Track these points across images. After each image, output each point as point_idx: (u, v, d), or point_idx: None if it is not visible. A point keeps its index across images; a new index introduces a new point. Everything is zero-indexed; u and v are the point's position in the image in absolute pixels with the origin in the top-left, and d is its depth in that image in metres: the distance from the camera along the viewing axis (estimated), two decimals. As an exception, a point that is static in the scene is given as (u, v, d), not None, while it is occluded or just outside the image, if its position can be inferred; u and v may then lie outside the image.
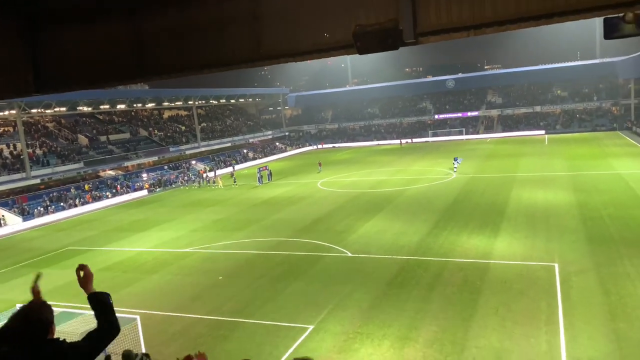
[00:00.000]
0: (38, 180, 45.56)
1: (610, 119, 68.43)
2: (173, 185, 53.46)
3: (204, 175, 55.52)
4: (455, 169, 41.27)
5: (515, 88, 79.24)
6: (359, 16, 6.30)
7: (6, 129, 52.89)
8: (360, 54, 6.18)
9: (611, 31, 5.47)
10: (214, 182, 50.83)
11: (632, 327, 13.53)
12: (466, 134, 74.52)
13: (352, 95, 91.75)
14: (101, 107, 61.51)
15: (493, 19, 5.79)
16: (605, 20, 5.48)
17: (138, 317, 14.20)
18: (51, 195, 44.77)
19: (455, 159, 42.56)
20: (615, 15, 5.51)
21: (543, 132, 68.88)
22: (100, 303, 3.24)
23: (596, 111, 71.31)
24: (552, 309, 15.02)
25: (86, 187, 47.75)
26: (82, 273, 3.35)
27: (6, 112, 50.79)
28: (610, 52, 72.59)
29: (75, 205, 43.72)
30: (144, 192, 50.15)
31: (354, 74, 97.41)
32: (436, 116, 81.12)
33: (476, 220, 26.39)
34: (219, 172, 59.89)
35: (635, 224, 23.28)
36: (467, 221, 26.29)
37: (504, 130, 73.46)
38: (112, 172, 54.01)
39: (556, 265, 18.59)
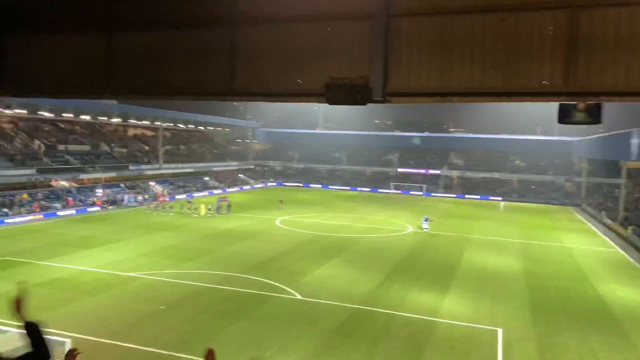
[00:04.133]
0: (-17, 182, 43.36)
1: (562, 194, 71.60)
2: (127, 203, 51.93)
3: (160, 198, 54.25)
4: (425, 229, 40.96)
5: (477, 153, 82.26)
6: (333, 68, 6.51)
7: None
8: (329, 104, 6.35)
9: (565, 117, 5.85)
10: (195, 208, 47.29)
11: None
12: (427, 190, 76.25)
13: (321, 138, 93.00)
14: (64, 114, 59.85)
15: (458, 90, 6.10)
16: (560, 106, 5.87)
17: (68, 340, 13.45)
18: (-4, 199, 42.62)
19: (425, 219, 42.22)
20: (569, 103, 5.92)
21: (499, 198, 71.26)
22: (34, 332, 3.17)
23: (550, 185, 74.57)
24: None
25: (24, 195, 45.20)
26: (16, 300, 3.26)
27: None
28: (568, 130, 76.68)
29: (20, 214, 41.72)
30: (96, 208, 48.49)
31: (326, 117, 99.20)
32: (400, 170, 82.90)
33: (427, 276, 26.68)
34: (177, 196, 58.74)
35: (578, 297, 24.07)
36: (418, 276, 26.54)
37: (462, 192, 75.59)
38: (65, 183, 52.11)
39: (500, 331, 18.88)
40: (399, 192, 77.00)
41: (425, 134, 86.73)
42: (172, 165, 68.13)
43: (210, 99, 7.11)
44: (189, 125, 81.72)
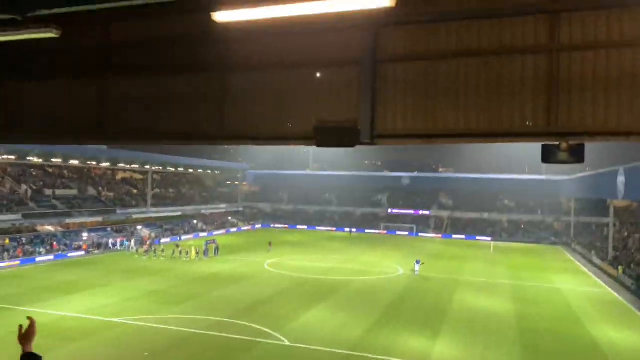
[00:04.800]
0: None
1: (552, 233, 71.93)
2: (113, 248, 51.11)
3: (148, 241, 53.53)
4: (417, 272, 40.54)
5: (466, 193, 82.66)
6: (321, 112, 6.65)
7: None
8: (318, 146, 6.44)
9: (548, 156, 5.99)
10: (186, 252, 46.39)
11: None
12: (417, 231, 76.18)
13: (310, 180, 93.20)
14: (53, 159, 59.67)
15: (444, 132, 6.25)
16: (543, 146, 6.02)
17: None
18: (-21, 244, 41.71)
19: (417, 262, 41.85)
20: (551, 143, 6.08)
21: (489, 238, 71.30)
22: None
23: (539, 224, 74.96)
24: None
25: (6, 240, 44.26)
26: (24, 328, 3.35)
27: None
28: (557, 169, 77.59)
29: (3, 259, 40.79)
30: (81, 253, 47.61)
31: (315, 158, 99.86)
32: (390, 210, 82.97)
33: (418, 320, 26.28)
34: (163, 240, 57.99)
35: (570, 340, 23.77)
36: (409, 320, 26.13)
37: (452, 232, 75.62)
38: (50, 228, 51.33)
39: (493, 375, 18.49)
40: (389, 232, 76.83)
41: (415, 174, 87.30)
42: (161, 209, 67.59)
43: (200, 143, 7.18)
44: (179, 169, 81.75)
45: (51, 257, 44.37)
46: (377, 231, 77.64)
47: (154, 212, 65.55)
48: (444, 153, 79.71)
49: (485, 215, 77.94)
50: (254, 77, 6.84)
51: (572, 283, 39.16)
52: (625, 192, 40.53)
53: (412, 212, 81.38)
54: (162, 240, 57.89)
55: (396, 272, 41.42)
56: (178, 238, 61.06)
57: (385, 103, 6.16)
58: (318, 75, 6.35)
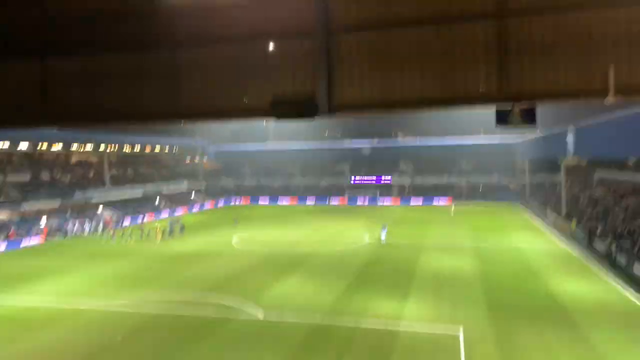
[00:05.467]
0: None
1: (509, 194, 74.49)
2: (75, 233, 49.76)
3: (110, 224, 52.33)
4: (383, 239, 41.20)
5: (426, 158, 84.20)
6: (279, 86, 6.57)
7: None
8: (277, 120, 6.39)
9: (501, 121, 6.16)
10: (147, 234, 45.64)
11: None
12: (380, 196, 77.51)
13: (272, 153, 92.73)
14: None
15: (401, 101, 6.30)
16: (497, 111, 6.17)
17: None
18: None
19: (383, 227, 42.47)
20: (504, 109, 6.23)
21: (450, 201, 73.26)
22: None
23: (497, 186, 77.47)
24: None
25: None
26: None
27: None
28: (513, 132, 79.62)
29: (-44, 251, 39.11)
30: (41, 239, 46.15)
31: (275, 131, 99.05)
32: (353, 179, 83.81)
33: (387, 284, 26.98)
34: (126, 222, 56.83)
35: (531, 294, 24.99)
36: (378, 285, 26.80)
37: (414, 197, 77.26)
38: (3, 217, 49.33)
39: (461, 333, 19.29)
40: (352, 201, 77.82)
41: (376, 141, 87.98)
42: (120, 190, 65.95)
43: (153, 121, 6.97)
44: (136, 148, 79.55)
45: (7, 245, 42.82)
46: (341, 202, 78.45)
47: (114, 194, 63.92)
48: (402, 120, 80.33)
49: (445, 179, 79.85)
50: (205, 52, 6.65)
51: (530, 240, 40.90)
52: (574, 150, 42.28)
53: (374, 180, 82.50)
54: (125, 222, 56.75)
55: (363, 240, 42.16)
56: (141, 219, 59.95)
57: (341, 74, 6.13)
58: (271, 47, 6.23)
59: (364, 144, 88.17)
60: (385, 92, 6.21)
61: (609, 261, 30.87)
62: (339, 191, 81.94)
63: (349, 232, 47.11)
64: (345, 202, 78.35)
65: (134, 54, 6.82)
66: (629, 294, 24.88)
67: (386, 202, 77.07)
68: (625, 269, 28.49)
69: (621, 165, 39.55)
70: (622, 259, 29.45)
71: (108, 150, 69.35)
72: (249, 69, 6.54)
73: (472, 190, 77.29)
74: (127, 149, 77.53)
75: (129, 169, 75.76)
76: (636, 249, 29.47)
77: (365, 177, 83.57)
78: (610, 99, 5.58)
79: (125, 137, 71.90)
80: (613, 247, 31.68)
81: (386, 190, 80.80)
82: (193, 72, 6.76)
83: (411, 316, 21.56)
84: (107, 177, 65.08)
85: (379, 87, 6.13)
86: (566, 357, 17.19)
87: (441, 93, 5.93)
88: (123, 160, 77.16)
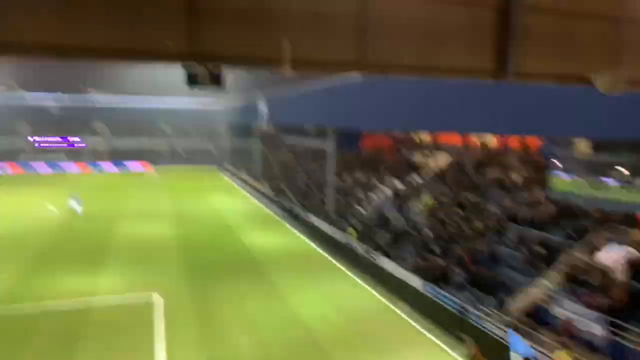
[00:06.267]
0: None
1: (210, 158, 77.37)
2: None
3: None
4: (78, 211, 35.30)
5: (123, 119, 78.56)
6: None
7: None
8: None
9: (191, 81, 5.97)
10: None
11: (225, 349, 15.08)
12: (70, 160, 69.50)
13: None
14: None
15: (80, 46, 5.32)
16: (187, 72, 5.94)
17: None
18: None
19: (73, 198, 36.34)
20: (195, 71, 6.05)
21: (149, 166, 71.17)
22: None
23: (198, 150, 79.30)
24: (154, 342, 15.21)
25: None
26: None
27: None
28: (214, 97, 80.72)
29: None
30: None
31: None
32: (33, 140, 71.85)
33: (78, 260, 24.33)
34: None
35: (227, 251, 26.83)
36: (68, 262, 23.90)
37: (108, 163, 72.27)
38: None
39: (157, 298, 19.01)
40: (34, 166, 67.49)
41: (62, 95, 75.99)
42: None
43: None
44: None
45: None
46: (20, 167, 66.95)
47: None
48: (90, 72, 71.84)
49: (144, 142, 76.99)
50: None
51: (227, 201, 43.61)
52: (266, 118, 46.56)
53: (63, 142, 73.09)
54: None
55: (49, 212, 36.64)
56: None
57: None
58: None
59: (49, 99, 75.82)
60: (60, 34, 5.20)
61: (292, 214, 35.62)
62: (15, 154, 69.17)
63: (32, 204, 40.44)
64: (23, 168, 66.96)
65: None
66: (306, 239, 29.65)
67: (74, 168, 69.36)
68: (302, 220, 33.37)
69: (302, 132, 45.53)
70: (300, 212, 34.35)
71: None
72: None
73: (173, 155, 77.13)
74: None
75: None
76: (307, 202, 35.08)
77: (52, 139, 72.91)
78: (286, 71, 5.98)
79: None
80: (294, 202, 36.74)
81: (78, 153, 72.73)
82: None
83: (105, 290, 20.12)
84: None
85: (47, 26, 5.09)
86: (256, 302, 19.09)
87: (119, 43, 5.31)
88: None
